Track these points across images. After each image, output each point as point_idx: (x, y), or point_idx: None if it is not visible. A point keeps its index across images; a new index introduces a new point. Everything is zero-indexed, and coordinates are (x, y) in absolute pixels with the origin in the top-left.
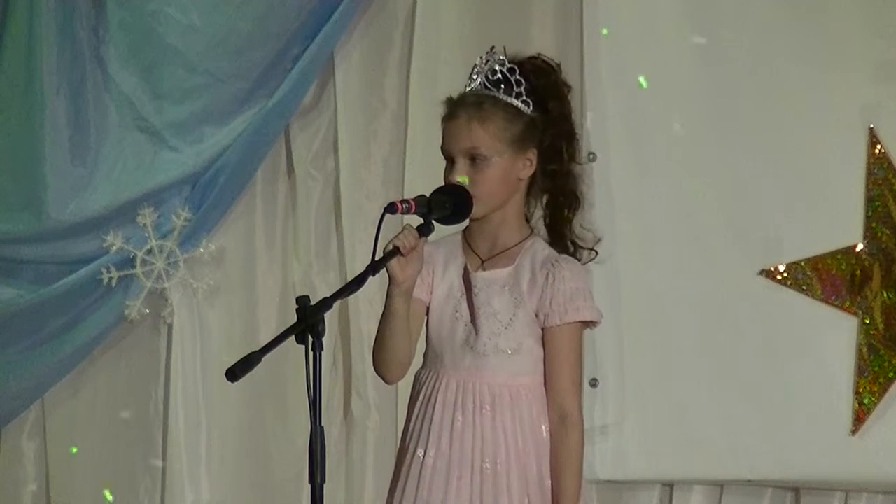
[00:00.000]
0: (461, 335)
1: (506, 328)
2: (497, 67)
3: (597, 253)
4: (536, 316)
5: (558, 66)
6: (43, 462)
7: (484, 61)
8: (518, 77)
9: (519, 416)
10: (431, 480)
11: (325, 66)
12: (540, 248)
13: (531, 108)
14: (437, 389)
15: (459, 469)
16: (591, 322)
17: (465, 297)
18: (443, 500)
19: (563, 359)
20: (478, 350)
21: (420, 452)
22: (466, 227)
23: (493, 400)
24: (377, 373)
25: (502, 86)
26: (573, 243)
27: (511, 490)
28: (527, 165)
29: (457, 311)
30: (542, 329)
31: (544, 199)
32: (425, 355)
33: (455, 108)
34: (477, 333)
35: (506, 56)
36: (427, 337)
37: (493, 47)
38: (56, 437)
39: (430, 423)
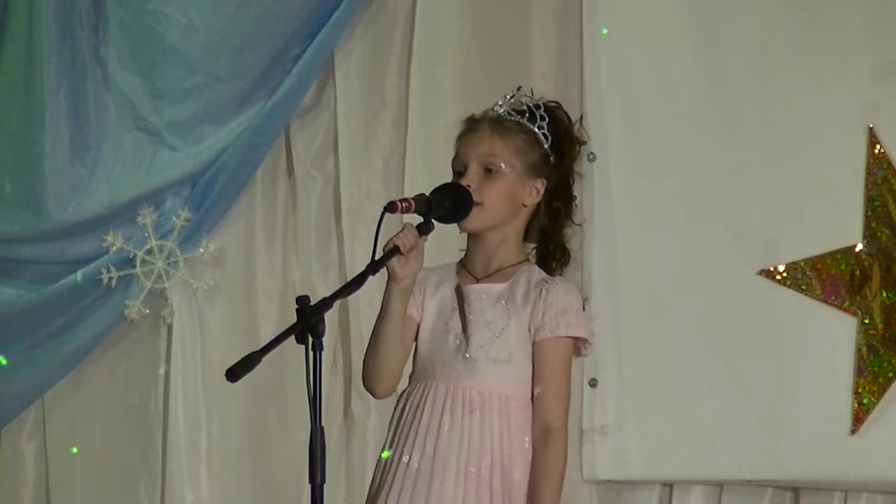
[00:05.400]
0: (452, 345)
1: (497, 337)
2: (523, 100)
3: (584, 308)
4: (529, 330)
5: (581, 118)
6: (43, 462)
7: (510, 96)
8: (543, 113)
9: (507, 424)
10: (415, 484)
11: (325, 66)
12: (537, 271)
13: (549, 143)
14: (426, 396)
15: (443, 472)
16: (583, 341)
17: (456, 310)
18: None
19: (551, 371)
20: (469, 357)
21: (406, 458)
22: (465, 255)
23: (483, 405)
24: (366, 386)
25: (526, 115)
26: None
27: (493, 495)
28: (533, 193)
29: (448, 324)
30: (533, 344)
31: (533, 250)
32: (411, 375)
33: (476, 123)
34: (468, 342)
35: (532, 95)
36: (415, 355)
37: (520, 87)
38: (56, 437)
39: (417, 429)
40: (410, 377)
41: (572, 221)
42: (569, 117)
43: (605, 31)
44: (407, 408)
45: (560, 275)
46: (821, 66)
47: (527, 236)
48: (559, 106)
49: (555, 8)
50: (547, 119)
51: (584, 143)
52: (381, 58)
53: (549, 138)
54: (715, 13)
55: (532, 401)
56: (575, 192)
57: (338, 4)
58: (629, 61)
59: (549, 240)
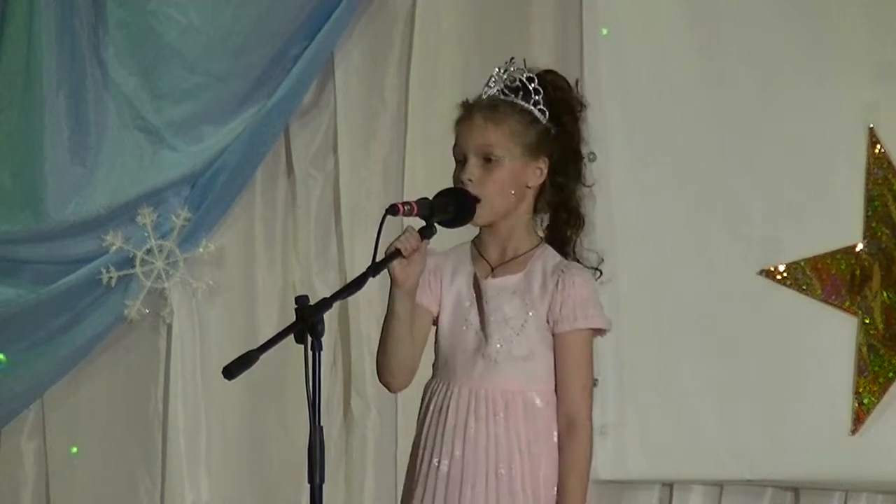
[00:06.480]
0: (472, 343)
1: (517, 334)
2: (516, 76)
3: (601, 273)
4: (547, 322)
5: (577, 82)
6: (43, 462)
7: (503, 70)
8: (536, 86)
9: (532, 422)
10: (447, 489)
11: (325, 66)
12: (550, 255)
13: (546, 117)
14: (450, 398)
15: (474, 477)
16: (601, 330)
17: (474, 305)
18: None
19: (573, 364)
20: (490, 357)
21: (435, 461)
22: (477, 236)
23: (507, 406)
24: (381, 381)
25: (520, 92)
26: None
27: (526, 493)
28: (537, 174)
29: (466, 319)
30: (553, 336)
31: (547, 218)
32: (434, 365)
33: (470, 110)
34: (488, 341)
35: (525, 67)
36: (436, 347)
37: (512, 58)
38: (56, 437)
39: (444, 432)
40: (434, 367)
41: (583, 184)
42: (566, 82)
43: (605, 30)
44: (432, 407)
45: (577, 238)
46: (821, 66)
47: (536, 211)
48: (553, 73)
49: (555, 8)
50: (542, 92)
51: (585, 106)
52: (380, 58)
53: (547, 112)
54: (715, 12)
55: (556, 393)
56: (583, 152)
57: (338, 4)
58: (629, 61)
59: (562, 208)
